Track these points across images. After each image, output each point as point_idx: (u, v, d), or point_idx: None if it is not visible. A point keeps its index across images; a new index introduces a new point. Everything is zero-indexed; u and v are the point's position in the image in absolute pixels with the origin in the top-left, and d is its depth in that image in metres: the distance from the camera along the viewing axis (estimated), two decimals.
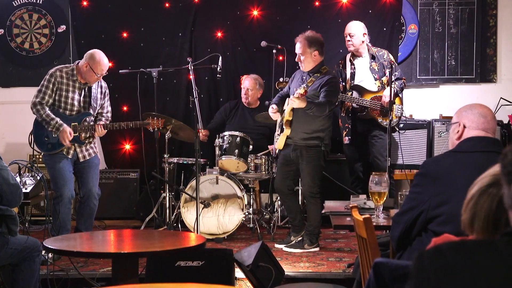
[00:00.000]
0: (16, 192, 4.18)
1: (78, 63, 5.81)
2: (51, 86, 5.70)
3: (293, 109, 5.78)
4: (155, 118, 6.08)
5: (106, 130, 5.87)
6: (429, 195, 2.89)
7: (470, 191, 1.92)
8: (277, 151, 6.20)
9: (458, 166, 2.92)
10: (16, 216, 4.24)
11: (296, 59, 5.94)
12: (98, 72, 5.69)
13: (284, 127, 5.86)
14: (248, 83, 7.05)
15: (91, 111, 5.83)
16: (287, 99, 5.91)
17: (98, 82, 5.86)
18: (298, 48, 5.87)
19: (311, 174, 5.83)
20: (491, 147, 2.98)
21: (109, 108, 6.03)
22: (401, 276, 2.50)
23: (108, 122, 5.96)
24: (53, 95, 5.71)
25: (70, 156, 5.79)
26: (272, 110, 5.90)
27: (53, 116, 5.68)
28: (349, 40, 6.48)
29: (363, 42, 6.48)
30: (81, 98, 5.79)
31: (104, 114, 5.97)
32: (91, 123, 5.83)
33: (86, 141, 5.85)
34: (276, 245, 6.02)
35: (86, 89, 5.82)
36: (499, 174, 1.84)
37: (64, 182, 5.68)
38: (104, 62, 5.72)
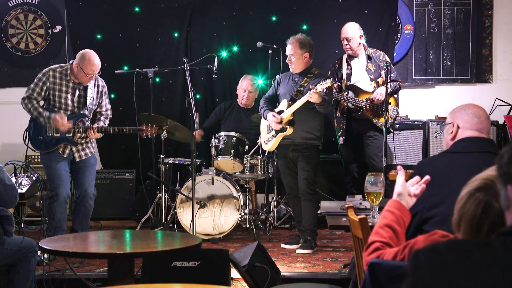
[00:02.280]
0: (12, 193, 4.18)
1: (72, 63, 5.79)
2: (40, 84, 5.71)
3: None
4: (149, 125, 6.06)
5: (100, 133, 5.85)
6: (424, 196, 2.89)
7: (462, 191, 1.94)
8: (266, 153, 6.24)
9: (452, 166, 2.93)
10: (11, 216, 4.23)
11: (286, 61, 6.03)
12: (89, 72, 5.66)
13: (284, 127, 5.89)
14: (247, 85, 7.05)
15: (86, 112, 5.80)
16: (283, 99, 5.97)
17: (94, 81, 5.84)
18: (289, 49, 5.99)
19: (311, 173, 5.89)
20: (485, 147, 2.99)
21: (109, 106, 6.01)
22: (397, 277, 2.49)
23: (107, 121, 5.94)
24: (42, 93, 5.70)
25: (65, 156, 5.78)
26: (277, 120, 5.90)
27: (40, 110, 5.68)
28: (346, 44, 6.48)
29: (360, 44, 6.49)
30: (75, 98, 5.78)
31: (103, 113, 5.95)
32: (87, 124, 5.81)
33: (82, 141, 5.84)
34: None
35: (81, 88, 5.80)
36: (490, 179, 1.86)
37: (60, 182, 5.67)
38: (94, 62, 5.67)
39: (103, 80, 5.97)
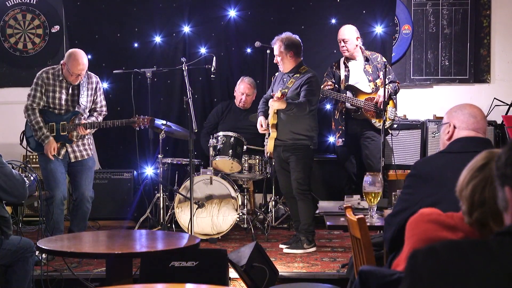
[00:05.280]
0: (23, 185, 4.21)
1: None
2: (39, 88, 5.75)
3: (277, 112, 5.88)
4: (141, 116, 6.05)
5: (90, 130, 5.83)
6: (420, 196, 2.89)
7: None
8: (268, 154, 6.25)
9: (449, 166, 2.92)
10: (9, 218, 4.23)
11: (274, 61, 6.02)
12: (74, 72, 5.66)
13: (270, 130, 5.90)
14: (245, 89, 7.03)
15: (80, 109, 5.80)
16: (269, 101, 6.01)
17: (88, 78, 5.85)
18: (275, 49, 5.99)
19: (301, 172, 5.86)
20: (482, 147, 2.98)
21: (104, 103, 6.01)
22: (387, 284, 2.50)
23: (100, 118, 5.93)
24: (43, 96, 5.75)
25: (61, 157, 5.78)
26: (261, 129, 6.04)
27: (41, 125, 5.72)
28: (343, 46, 6.48)
29: (357, 46, 6.49)
30: (69, 97, 5.79)
31: (97, 109, 5.95)
32: (80, 121, 5.81)
33: (79, 143, 5.84)
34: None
35: (75, 87, 5.81)
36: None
37: (56, 184, 5.67)
38: (80, 61, 5.66)
39: (97, 76, 5.98)
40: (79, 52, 5.75)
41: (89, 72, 5.89)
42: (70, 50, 5.81)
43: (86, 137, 5.91)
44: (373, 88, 6.46)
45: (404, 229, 2.94)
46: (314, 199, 5.96)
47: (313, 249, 5.87)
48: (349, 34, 6.47)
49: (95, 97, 5.92)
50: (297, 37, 5.98)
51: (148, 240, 4.33)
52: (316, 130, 6.00)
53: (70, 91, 5.79)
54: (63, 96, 5.77)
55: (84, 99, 5.82)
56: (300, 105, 5.76)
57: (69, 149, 5.82)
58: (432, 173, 2.93)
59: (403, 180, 7.14)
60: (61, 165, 5.78)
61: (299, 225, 6.00)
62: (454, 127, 3.08)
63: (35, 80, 5.78)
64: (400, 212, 2.96)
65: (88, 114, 5.89)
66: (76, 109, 5.79)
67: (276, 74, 6.33)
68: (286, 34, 5.98)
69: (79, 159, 5.85)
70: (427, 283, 1.49)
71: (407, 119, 7.29)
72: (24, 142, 5.94)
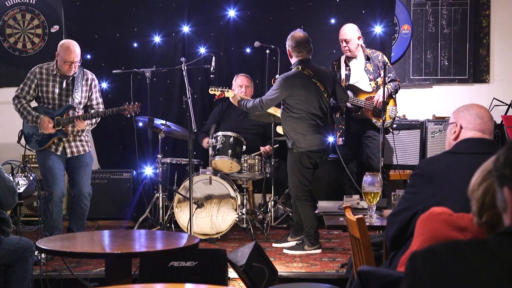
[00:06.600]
0: (13, 197, 4.18)
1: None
2: (28, 82, 5.83)
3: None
4: (131, 103, 6.05)
5: (88, 121, 5.83)
6: (424, 196, 2.89)
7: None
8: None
9: (453, 167, 2.92)
10: (9, 218, 4.24)
11: None
12: (67, 59, 5.69)
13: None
14: (243, 81, 7.03)
15: (74, 103, 5.80)
16: None
17: (84, 74, 5.86)
18: None
19: (290, 177, 5.88)
20: (488, 148, 2.98)
21: (100, 100, 6.02)
22: (387, 284, 2.50)
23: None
24: (31, 91, 5.81)
25: (59, 153, 5.79)
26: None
27: (29, 109, 5.77)
28: (345, 46, 6.43)
29: (358, 45, 6.47)
30: (62, 91, 5.82)
31: (94, 106, 5.96)
32: (76, 115, 5.82)
33: (76, 137, 5.84)
34: (274, 245, 6.03)
35: (69, 82, 5.83)
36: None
37: (54, 181, 5.67)
38: (72, 49, 5.72)
39: (93, 74, 6.01)
40: (70, 41, 5.86)
41: (85, 70, 5.92)
42: (63, 41, 5.94)
43: (84, 133, 5.92)
44: (374, 87, 6.45)
45: (406, 228, 2.95)
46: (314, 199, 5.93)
47: (316, 251, 5.80)
48: (351, 33, 6.43)
49: (90, 94, 5.93)
50: (295, 38, 5.82)
51: (147, 240, 4.33)
52: (304, 134, 5.75)
53: (64, 85, 5.82)
54: (56, 90, 5.80)
55: (78, 94, 5.83)
56: (249, 106, 5.96)
57: (66, 144, 5.83)
58: (436, 173, 2.92)
59: (402, 180, 7.19)
60: (59, 162, 5.79)
61: (296, 223, 6.03)
62: (461, 127, 3.07)
63: (28, 74, 5.87)
64: (403, 211, 2.97)
65: (82, 110, 5.89)
66: (69, 104, 5.80)
67: None
68: (294, 32, 5.89)
69: (76, 155, 5.85)
70: (426, 283, 1.49)
71: (407, 119, 7.30)
72: (23, 140, 5.96)
